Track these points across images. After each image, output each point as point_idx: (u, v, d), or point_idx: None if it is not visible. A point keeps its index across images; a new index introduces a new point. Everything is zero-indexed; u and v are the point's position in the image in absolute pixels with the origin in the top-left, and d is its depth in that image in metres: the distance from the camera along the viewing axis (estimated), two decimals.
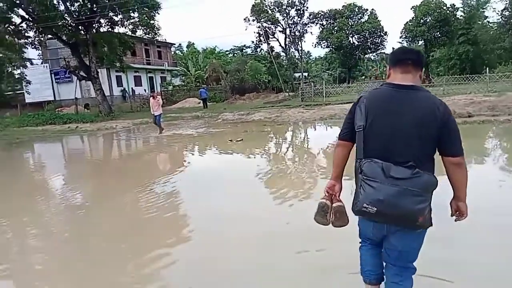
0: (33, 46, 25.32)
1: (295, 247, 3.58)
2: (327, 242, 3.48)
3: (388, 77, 2.09)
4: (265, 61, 36.84)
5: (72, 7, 22.99)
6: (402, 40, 38.87)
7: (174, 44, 46.58)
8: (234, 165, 8.43)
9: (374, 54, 48.68)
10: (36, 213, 5.57)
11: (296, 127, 14.69)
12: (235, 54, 45.75)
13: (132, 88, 34.38)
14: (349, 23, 40.99)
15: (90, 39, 22.59)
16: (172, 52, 46.49)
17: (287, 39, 38.56)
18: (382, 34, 41.24)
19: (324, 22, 41.17)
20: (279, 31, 38.33)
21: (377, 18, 41.02)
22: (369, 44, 42.37)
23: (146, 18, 23.56)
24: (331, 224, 2.22)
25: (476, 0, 38.51)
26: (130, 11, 23.11)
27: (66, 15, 22.91)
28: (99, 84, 24.00)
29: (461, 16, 37.44)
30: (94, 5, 22.52)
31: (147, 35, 25.59)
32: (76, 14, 22.85)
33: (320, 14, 40.10)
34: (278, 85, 33.97)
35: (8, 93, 33.59)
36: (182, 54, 51.02)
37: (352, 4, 41.01)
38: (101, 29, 24.21)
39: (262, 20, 36.96)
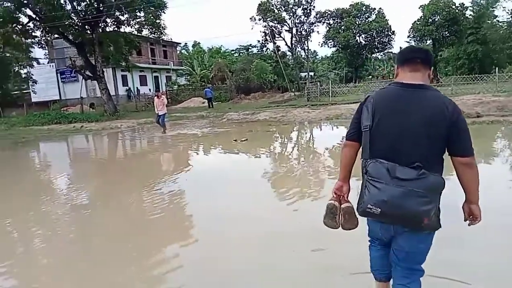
0: (39, 46, 25.64)
1: (297, 247, 3.56)
2: (329, 242, 3.45)
3: (396, 77, 2.07)
4: (271, 61, 36.82)
5: (78, 6, 23.18)
6: (410, 40, 38.66)
7: (180, 43, 46.78)
8: (238, 165, 8.39)
9: (381, 53, 48.53)
10: (41, 213, 5.56)
11: (301, 127, 14.61)
12: (240, 54, 45.80)
13: (137, 87, 34.51)
14: (356, 22, 40.83)
15: (96, 39, 22.73)
16: (178, 52, 46.67)
17: (293, 38, 38.50)
18: (389, 33, 41.04)
19: (331, 21, 41.09)
20: (285, 30, 38.36)
21: (384, 17, 40.81)
22: (376, 43, 42.18)
23: (152, 17, 23.67)
24: (341, 227, 2.18)
25: None
26: (136, 11, 23.25)
27: (72, 14, 23.12)
28: (105, 83, 24.16)
29: (470, 15, 37.01)
30: (101, 5, 22.69)
31: (153, 35, 25.75)
32: (83, 13, 23.00)
33: (327, 13, 40.05)
34: (283, 85, 33.86)
35: (15, 92, 33.87)
36: (187, 54, 51.16)
37: (359, 3, 40.85)
38: (107, 29, 24.36)
39: (268, 19, 36.95)
